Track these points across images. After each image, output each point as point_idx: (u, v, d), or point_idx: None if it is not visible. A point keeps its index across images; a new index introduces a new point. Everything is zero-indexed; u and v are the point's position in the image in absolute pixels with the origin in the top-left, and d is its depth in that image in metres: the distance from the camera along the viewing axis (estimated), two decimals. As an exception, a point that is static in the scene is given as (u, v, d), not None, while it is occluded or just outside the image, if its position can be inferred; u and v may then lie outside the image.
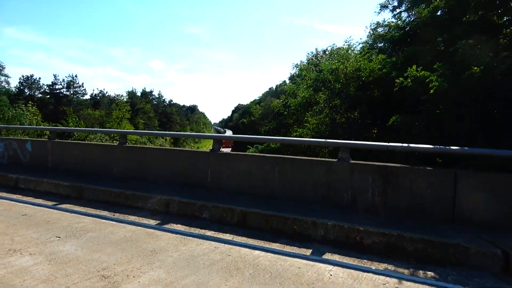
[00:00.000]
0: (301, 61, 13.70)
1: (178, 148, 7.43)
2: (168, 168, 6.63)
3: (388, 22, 11.52)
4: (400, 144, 4.80)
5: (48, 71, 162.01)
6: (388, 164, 4.86)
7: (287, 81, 69.76)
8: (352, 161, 5.16)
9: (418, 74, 6.35)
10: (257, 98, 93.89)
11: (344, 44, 13.23)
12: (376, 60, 10.31)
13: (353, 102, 11.52)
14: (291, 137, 14.01)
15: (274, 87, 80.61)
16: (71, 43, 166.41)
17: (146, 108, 53.28)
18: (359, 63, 10.55)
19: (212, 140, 6.77)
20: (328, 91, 12.03)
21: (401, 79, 7.07)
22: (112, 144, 7.39)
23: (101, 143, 7.56)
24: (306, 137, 12.57)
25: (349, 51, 13.22)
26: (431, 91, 5.90)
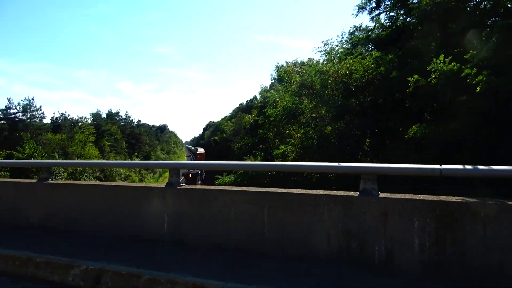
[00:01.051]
0: (280, 65, 11.93)
1: (122, 184, 5.34)
2: (108, 213, 4.53)
3: (368, 25, 10.47)
4: (464, 167, 3.02)
5: (11, 97, 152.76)
6: (445, 198, 3.08)
7: (258, 96, 69.28)
8: (383, 195, 3.35)
9: (445, 68, 4.67)
10: (228, 115, 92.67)
11: (320, 50, 11.80)
12: (369, 59, 8.78)
13: (341, 111, 9.94)
14: (275, 156, 12.23)
15: (244, 102, 79.63)
16: (34, 68, 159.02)
17: (112, 129, 50.07)
18: (353, 64, 8.97)
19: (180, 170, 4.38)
20: (316, 98, 10.41)
21: (415, 76, 5.45)
22: (28, 181, 5.21)
23: (9, 179, 5.01)
24: (291, 155, 10.84)
25: (322, 58, 11.86)
26: (478, 88, 4.23)
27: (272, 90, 16.31)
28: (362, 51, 11.14)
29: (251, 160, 19.49)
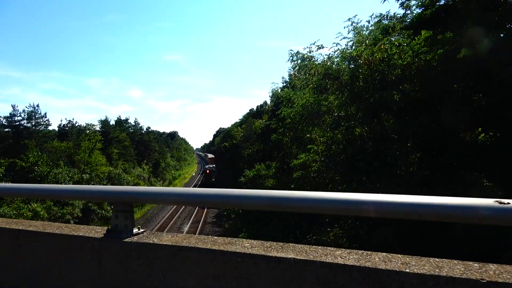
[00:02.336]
0: (295, 51, 9.66)
1: (30, 229, 2.82)
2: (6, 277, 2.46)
3: (397, 12, 8.30)
4: None
5: (24, 105, 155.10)
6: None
7: (268, 100, 67.24)
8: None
9: None
10: (238, 121, 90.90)
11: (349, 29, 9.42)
12: (419, 39, 6.58)
13: (377, 107, 7.78)
14: (294, 166, 10.20)
15: (255, 108, 77.79)
16: (46, 76, 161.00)
17: (120, 136, 48.61)
18: (392, 48, 6.80)
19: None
20: (345, 92, 8.32)
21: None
22: None
23: None
24: (313, 166, 8.74)
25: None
26: None
27: (286, 88, 14.16)
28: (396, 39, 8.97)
29: (262, 168, 17.37)
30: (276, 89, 16.38)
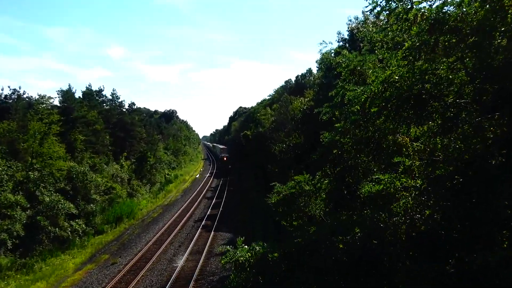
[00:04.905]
0: None
1: None
2: None
3: None
4: None
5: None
6: None
7: (315, 70, 64.79)
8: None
9: None
10: (268, 98, 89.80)
11: None
12: None
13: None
14: (366, 198, 8.68)
15: (292, 79, 76.01)
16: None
17: (89, 116, 48.34)
18: None
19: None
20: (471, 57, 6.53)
21: None
22: None
23: None
24: (408, 202, 7.19)
25: None
26: None
27: (345, 50, 12.31)
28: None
29: (305, 180, 15.72)
30: (328, 51, 14.48)
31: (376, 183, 9.16)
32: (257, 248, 10.46)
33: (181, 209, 44.96)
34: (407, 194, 8.44)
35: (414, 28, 7.26)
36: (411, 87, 7.47)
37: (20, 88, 47.18)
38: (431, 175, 7.77)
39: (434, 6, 7.15)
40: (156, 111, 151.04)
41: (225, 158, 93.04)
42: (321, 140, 12.53)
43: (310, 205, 14.68)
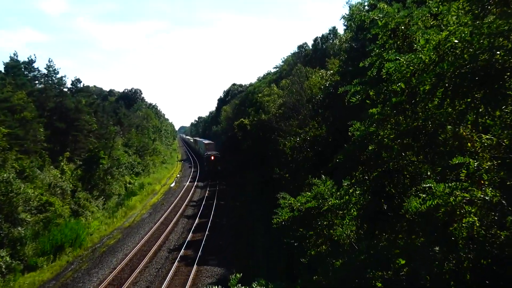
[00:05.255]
0: None
1: None
2: None
3: None
4: None
5: None
6: None
7: (341, 30, 64.63)
8: None
9: None
10: (273, 71, 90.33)
11: None
12: None
13: None
14: (408, 215, 8.97)
15: (310, 42, 76.30)
16: None
17: (14, 100, 48.62)
18: None
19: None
20: None
21: None
22: None
23: None
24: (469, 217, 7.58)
25: None
26: None
27: (382, 3, 12.51)
28: None
29: (325, 190, 15.93)
30: (360, 2, 14.67)
31: (429, 194, 9.28)
32: (260, 291, 10.59)
33: (150, 232, 45.33)
34: (473, 210, 8.61)
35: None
36: (475, 56, 7.63)
37: None
38: (509, 182, 7.88)
39: None
40: (112, 92, 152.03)
41: (212, 158, 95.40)
42: (350, 132, 12.66)
43: (336, 226, 14.84)
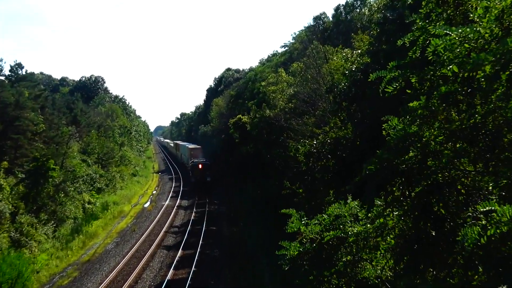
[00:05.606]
0: None
1: None
2: None
3: None
4: None
5: None
6: None
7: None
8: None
9: None
10: (281, 51, 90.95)
11: None
12: None
13: None
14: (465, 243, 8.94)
15: (329, 13, 76.72)
16: None
17: None
18: None
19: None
20: None
21: None
22: None
23: None
24: None
25: None
26: None
27: None
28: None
29: (344, 213, 15.92)
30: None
31: (491, 219, 9.16)
32: None
33: (117, 269, 45.33)
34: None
35: None
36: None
37: None
38: None
39: None
40: (64, 80, 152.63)
41: (200, 166, 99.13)
42: (384, 132, 12.60)
43: (363, 262, 14.71)
